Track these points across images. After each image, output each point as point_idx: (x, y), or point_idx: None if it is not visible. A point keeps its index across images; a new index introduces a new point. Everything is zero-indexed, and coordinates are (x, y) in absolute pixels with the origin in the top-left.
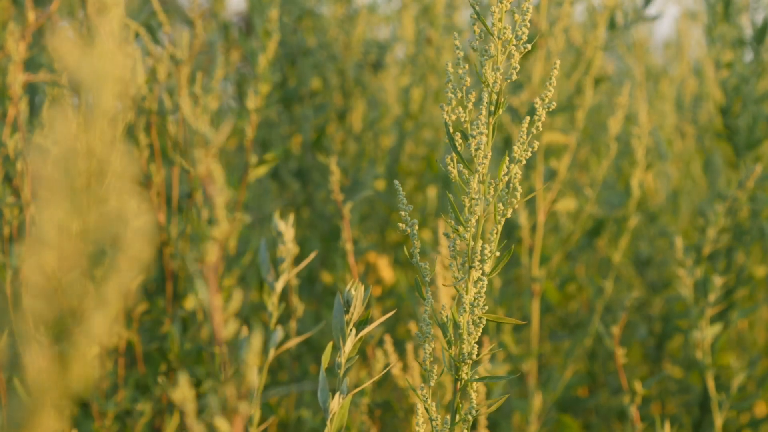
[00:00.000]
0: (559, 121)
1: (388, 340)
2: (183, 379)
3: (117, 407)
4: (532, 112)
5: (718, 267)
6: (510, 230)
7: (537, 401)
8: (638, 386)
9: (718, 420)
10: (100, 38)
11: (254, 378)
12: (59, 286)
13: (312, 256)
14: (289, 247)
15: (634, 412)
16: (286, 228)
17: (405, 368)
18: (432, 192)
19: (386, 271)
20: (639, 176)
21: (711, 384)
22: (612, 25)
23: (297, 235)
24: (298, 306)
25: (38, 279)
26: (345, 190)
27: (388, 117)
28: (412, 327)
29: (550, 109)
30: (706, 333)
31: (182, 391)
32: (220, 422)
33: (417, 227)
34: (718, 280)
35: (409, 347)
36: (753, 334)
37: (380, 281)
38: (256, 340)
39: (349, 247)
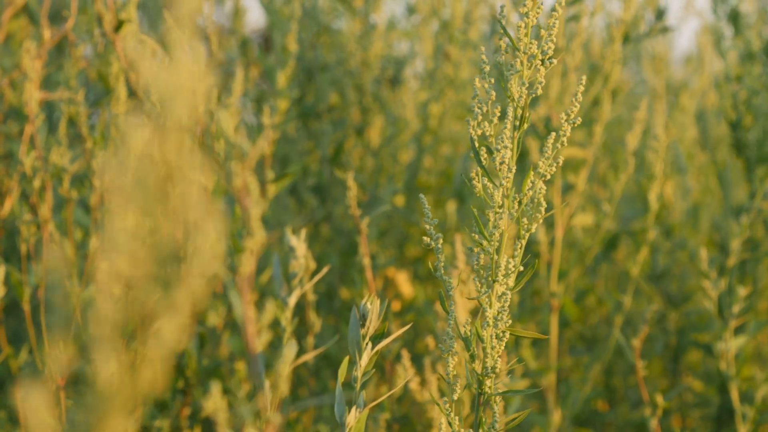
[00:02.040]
0: (577, 136)
1: (405, 355)
2: (215, 389)
3: (134, 423)
4: (548, 126)
5: (734, 279)
6: (528, 245)
7: (556, 416)
8: (659, 399)
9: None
10: (174, 52)
11: (286, 388)
12: (131, 292)
13: (325, 270)
14: (301, 262)
15: (655, 425)
16: (299, 243)
17: (423, 383)
18: (451, 207)
19: (405, 286)
20: (657, 190)
21: (735, 395)
22: (626, 38)
23: (315, 251)
24: (316, 321)
25: (110, 284)
26: (363, 206)
27: (407, 132)
28: (430, 342)
29: (576, 125)
30: (731, 345)
31: (214, 401)
32: None
33: (441, 241)
34: (742, 291)
35: (427, 362)
36: None
37: (399, 296)
38: (290, 351)
39: (366, 262)
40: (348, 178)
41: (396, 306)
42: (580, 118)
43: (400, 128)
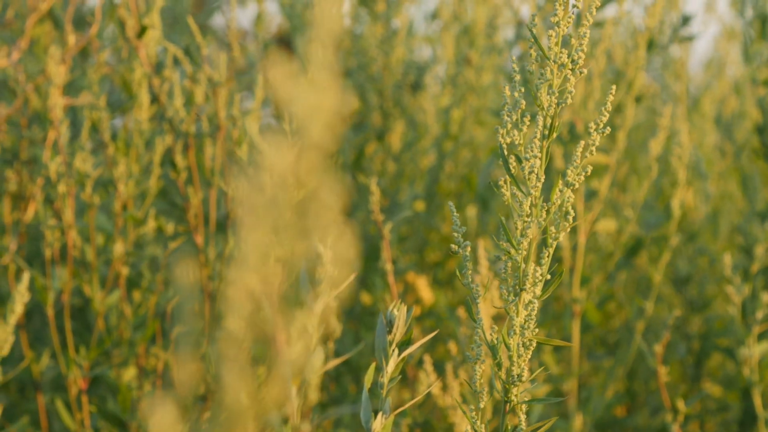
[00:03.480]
0: (599, 141)
1: (428, 361)
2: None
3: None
4: (572, 132)
5: (758, 285)
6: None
7: (578, 421)
8: (681, 405)
9: None
10: (312, 69)
11: (316, 396)
12: (261, 311)
13: (352, 278)
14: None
15: (676, 430)
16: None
17: (444, 388)
18: (471, 212)
19: (425, 291)
20: (680, 196)
21: (758, 401)
22: (650, 45)
23: None
24: (337, 327)
25: (241, 302)
26: (384, 211)
27: (427, 137)
28: (452, 347)
29: (605, 134)
30: (754, 350)
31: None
32: None
33: (469, 249)
34: (766, 297)
35: (449, 367)
36: None
37: (419, 301)
38: (318, 359)
39: (389, 267)
40: (371, 184)
41: (416, 311)
42: (609, 128)
43: (421, 133)
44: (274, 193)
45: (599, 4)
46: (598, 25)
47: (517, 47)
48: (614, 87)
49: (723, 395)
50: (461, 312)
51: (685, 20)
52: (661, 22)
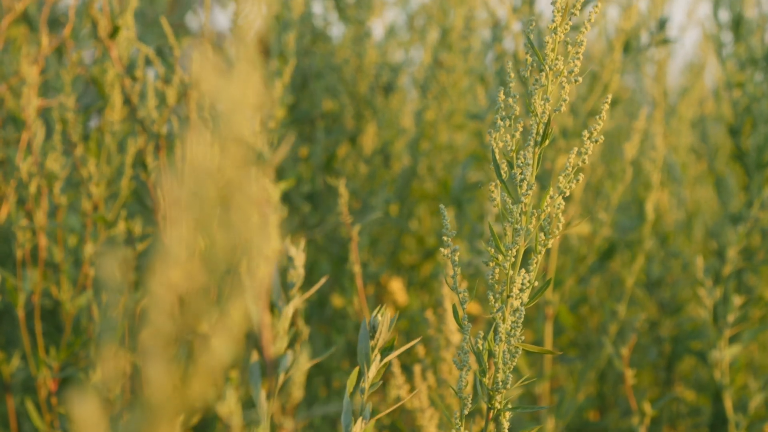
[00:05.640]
0: (574, 144)
1: (396, 364)
2: (230, 393)
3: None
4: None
5: (729, 288)
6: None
7: (550, 425)
8: (647, 407)
9: None
10: (237, 64)
11: (300, 394)
12: (184, 304)
13: (323, 280)
14: (300, 272)
15: None
16: (297, 253)
17: (413, 391)
18: (449, 215)
19: (400, 294)
20: (653, 200)
21: (729, 404)
22: (627, 48)
23: (308, 259)
24: (304, 329)
25: (164, 296)
26: (355, 213)
27: (400, 140)
28: (420, 350)
29: (598, 143)
30: (725, 353)
31: (229, 405)
32: None
33: (458, 253)
34: (737, 300)
35: (417, 369)
36: (764, 356)
37: (394, 304)
38: (304, 358)
39: (357, 269)
40: (340, 185)
41: (390, 314)
42: (602, 137)
43: (393, 135)
44: (196, 186)
45: (599, 10)
46: (575, 28)
47: (493, 50)
48: (609, 97)
49: (695, 399)
50: (429, 314)
51: (662, 24)
52: (639, 25)
